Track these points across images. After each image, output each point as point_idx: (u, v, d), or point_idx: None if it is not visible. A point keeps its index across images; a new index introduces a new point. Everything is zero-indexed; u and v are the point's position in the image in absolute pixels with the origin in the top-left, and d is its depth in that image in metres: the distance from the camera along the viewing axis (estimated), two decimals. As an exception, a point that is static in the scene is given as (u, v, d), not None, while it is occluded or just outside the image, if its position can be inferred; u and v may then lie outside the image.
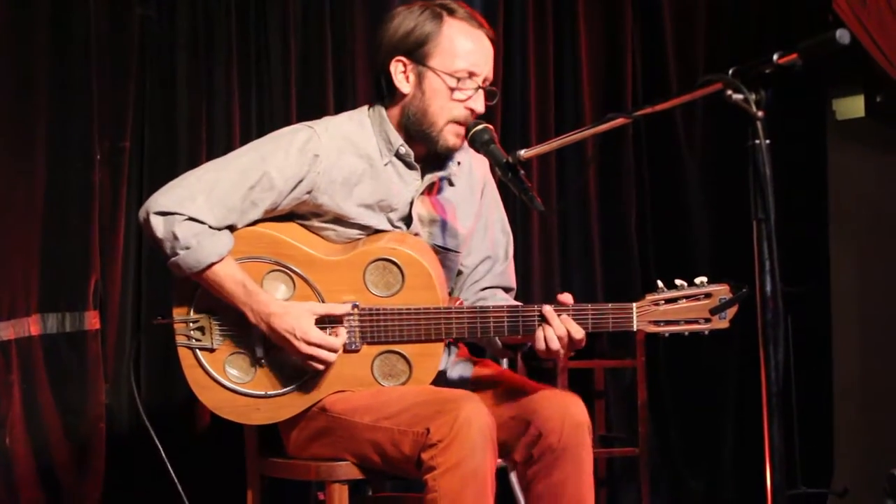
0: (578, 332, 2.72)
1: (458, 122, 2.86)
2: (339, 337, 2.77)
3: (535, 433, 2.79)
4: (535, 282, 4.77)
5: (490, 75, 2.90)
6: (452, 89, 2.84)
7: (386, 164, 2.91)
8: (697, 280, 2.75)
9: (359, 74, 4.40)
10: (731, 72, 2.02)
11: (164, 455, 2.92)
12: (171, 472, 2.93)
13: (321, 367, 2.78)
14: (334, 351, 2.76)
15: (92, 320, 3.90)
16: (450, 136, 2.87)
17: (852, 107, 5.70)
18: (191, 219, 2.74)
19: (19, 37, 3.81)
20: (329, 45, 4.36)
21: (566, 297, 2.76)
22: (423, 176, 2.95)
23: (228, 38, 4.15)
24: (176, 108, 4.08)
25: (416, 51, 2.85)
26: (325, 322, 2.79)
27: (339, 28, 4.41)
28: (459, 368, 3.04)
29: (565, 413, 2.78)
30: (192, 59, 4.10)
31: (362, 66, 4.38)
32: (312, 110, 4.09)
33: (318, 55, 4.36)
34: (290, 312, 2.75)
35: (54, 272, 3.86)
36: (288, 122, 3.69)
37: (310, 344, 2.74)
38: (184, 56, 4.09)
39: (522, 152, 2.70)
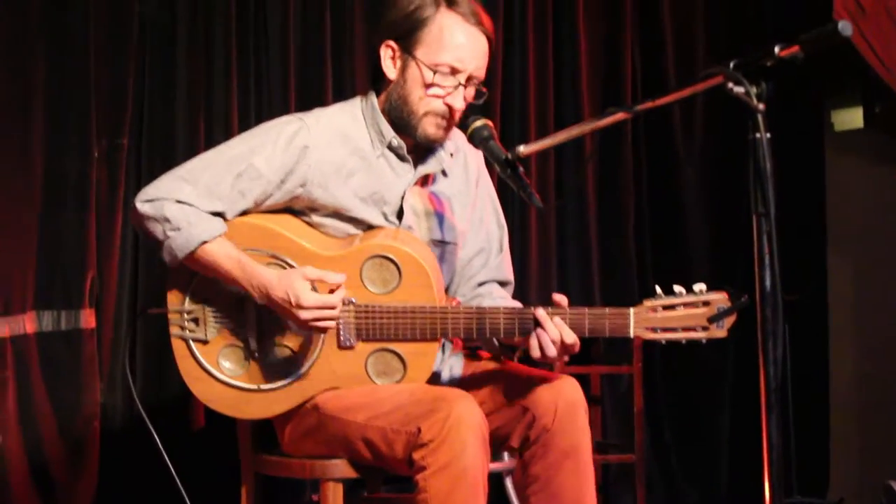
0: (570, 337, 2.68)
1: (438, 115, 2.83)
2: (336, 294, 2.72)
3: (530, 417, 2.78)
4: (531, 284, 4.76)
5: (478, 73, 2.85)
6: (429, 84, 2.80)
7: (378, 157, 2.89)
8: (696, 287, 2.70)
9: (357, 70, 4.39)
10: (732, 65, 2.01)
11: (161, 448, 2.90)
12: (170, 465, 2.91)
13: (330, 324, 2.73)
14: (333, 308, 2.71)
15: (87, 318, 3.89)
16: (429, 126, 2.84)
17: (850, 118, 5.70)
18: (179, 202, 2.73)
19: (17, 32, 3.82)
20: (328, 42, 4.36)
21: (561, 298, 2.72)
22: (415, 167, 2.93)
23: (227, 35, 4.16)
24: (174, 105, 4.08)
25: (407, 37, 2.82)
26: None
27: (337, 24, 4.42)
28: (451, 364, 3.02)
29: (559, 394, 2.77)
30: (191, 56, 4.11)
31: (360, 62, 4.38)
32: (310, 107, 4.09)
33: (317, 52, 4.36)
34: (282, 281, 2.71)
35: (50, 269, 3.86)
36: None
37: (307, 308, 2.69)
38: (182, 53, 4.10)
39: (521, 148, 2.68)
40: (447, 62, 2.80)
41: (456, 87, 2.82)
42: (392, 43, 2.85)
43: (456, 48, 2.81)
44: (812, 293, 5.38)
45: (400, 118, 2.86)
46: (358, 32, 4.42)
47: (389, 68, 2.87)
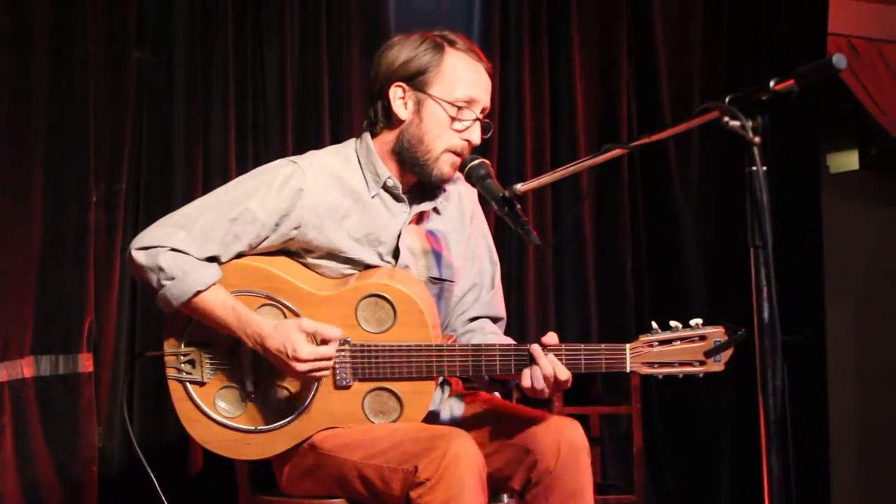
0: (564, 374, 2.69)
1: (455, 152, 2.85)
2: (330, 346, 2.72)
3: (532, 458, 2.77)
4: (529, 321, 4.75)
5: (488, 106, 2.89)
6: (453, 118, 2.83)
7: (373, 197, 2.89)
8: (693, 322, 2.71)
9: (355, 116, 4.40)
10: (727, 99, 2.01)
11: (160, 492, 2.89)
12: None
13: (325, 374, 2.73)
14: (328, 359, 2.72)
15: (85, 363, 3.88)
16: (445, 165, 2.85)
17: (846, 160, 5.73)
18: (174, 250, 2.74)
19: (18, 79, 3.84)
20: (325, 87, 4.38)
21: (551, 338, 2.73)
22: (410, 207, 2.94)
23: (225, 80, 4.18)
24: (172, 150, 4.09)
25: (416, 78, 2.84)
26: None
27: (334, 68, 4.43)
28: (451, 405, 3.01)
29: (561, 436, 2.76)
30: (189, 102, 4.12)
31: (358, 105, 4.39)
32: (308, 150, 4.10)
33: (315, 97, 4.37)
34: (278, 332, 2.71)
35: (49, 314, 3.86)
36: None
37: (302, 361, 2.70)
38: (180, 98, 4.11)
39: (519, 186, 2.69)
40: (463, 97, 2.83)
41: (474, 122, 2.85)
42: (402, 83, 2.86)
43: (468, 83, 2.84)
44: (810, 333, 5.39)
45: (413, 158, 2.87)
46: (355, 75, 4.44)
47: (401, 108, 2.87)
